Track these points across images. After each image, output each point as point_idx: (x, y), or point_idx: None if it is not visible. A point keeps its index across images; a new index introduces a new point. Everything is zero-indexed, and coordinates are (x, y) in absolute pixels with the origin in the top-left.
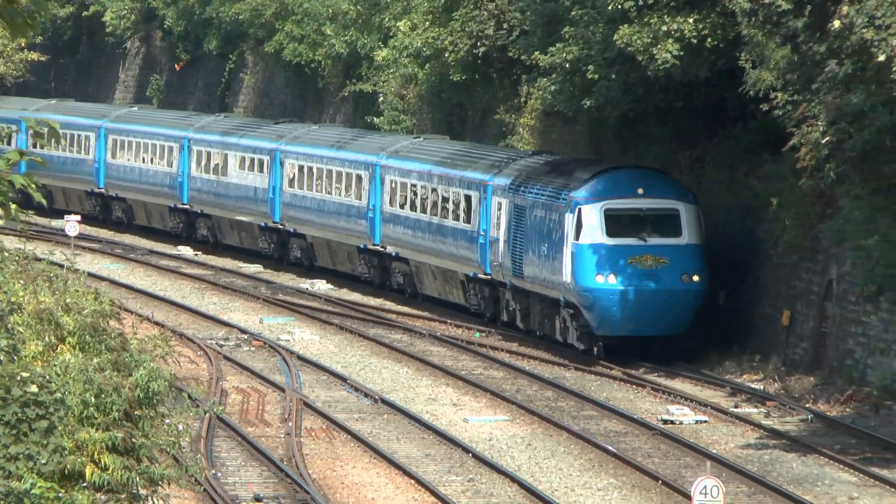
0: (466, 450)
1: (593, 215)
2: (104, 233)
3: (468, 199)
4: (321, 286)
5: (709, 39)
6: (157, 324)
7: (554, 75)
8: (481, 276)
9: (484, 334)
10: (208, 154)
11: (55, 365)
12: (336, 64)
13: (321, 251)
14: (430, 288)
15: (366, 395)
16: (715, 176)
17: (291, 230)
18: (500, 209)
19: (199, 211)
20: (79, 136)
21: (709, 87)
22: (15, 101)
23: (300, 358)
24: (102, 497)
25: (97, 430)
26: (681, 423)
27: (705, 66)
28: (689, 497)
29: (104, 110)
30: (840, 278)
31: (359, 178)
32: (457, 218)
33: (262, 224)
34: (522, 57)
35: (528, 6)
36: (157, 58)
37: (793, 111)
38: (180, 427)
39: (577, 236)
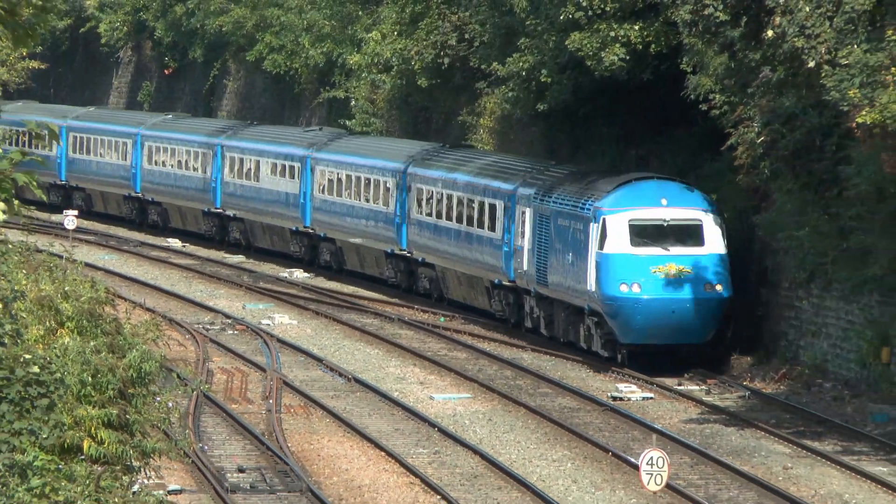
0: (432, 425)
1: (618, 225)
2: (138, 235)
3: (493, 207)
4: (298, 275)
5: (653, 46)
6: (148, 310)
7: (511, 83)
8: (506, 283)
9: (448, 318)
10: (241, 160)
11: (55, 347)
12: (311, 72)
13: (350, 255)
14: (455, 293)
15: (340, 375)
16: (660, 172)
17: (322, 234)
18: (524, 218)
19: (231, 215)
20: (117, 142)
21: (653, 90)
22: (56, 109)
23: (280, 341)
24: (99, 469)
25: (94, 407)
26: (629, 399)
27: (649, 70)
28: (636, 468)
29: (141, 118)
30: (774, 266)
31: (386, 185)
32: (482, 226)
33: (294, 228)
34: (482, 66)
35: (487, 19)
36: (147, 65)
37: (730, 113)
38: (170, 404)
39: (601, 246)
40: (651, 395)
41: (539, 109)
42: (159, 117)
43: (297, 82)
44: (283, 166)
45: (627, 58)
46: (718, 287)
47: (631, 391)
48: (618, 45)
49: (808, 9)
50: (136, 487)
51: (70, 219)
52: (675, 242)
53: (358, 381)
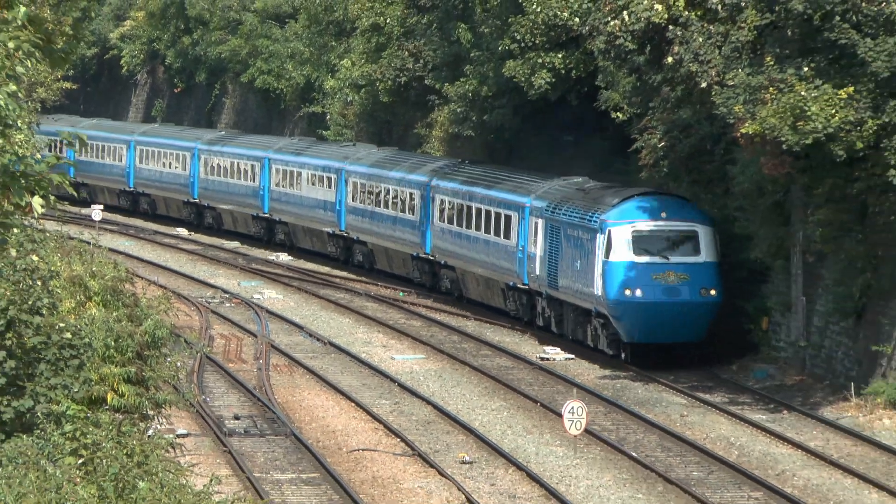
0: (393, 380)
1: (622, 236)
2: (196, 235)
3: (508, 218)
4: (283, 257)
5: (574, 71)
6: (160, 286)
7: (458, 102)
8: (520, 285)
9: (406, 293)
10: (285, 171)
11: (84, 317)
12: (294, 91)
13: (380, 256)
14: (473, 293)
15: (317, 339)
16: (579, 173)
17: (355, 238)
18: (537, 228)
19: (277, 219)
20: (177, 154)
21: (573, 105)
22: (125, 126)
23: (268, 312)
24: (120, 416)
25: (116, 366)
26: (554, 359)
27: (573, 93)
28: (560, 415)
29: (198, 133)
30: None
31: (412, 195)
32: (498, 234)
33: (330, 231)
34: (435, 86)
35: (438, 48)
36: (159, 86)
37: (636, 123)
38: (178, 364)
39: (607, 254)
40: (572, 356)
41: (483, 122)
42: (213, 133)
43: (283, 99)
44: (322, 177)
45: (553, 81)
46: (712, 291)
47: (556, 353)
48: (545, 70)
49: (701, 39)
50: (150, 432)
51: (97, 211)
52: (674, 251)
53: (332, 344)
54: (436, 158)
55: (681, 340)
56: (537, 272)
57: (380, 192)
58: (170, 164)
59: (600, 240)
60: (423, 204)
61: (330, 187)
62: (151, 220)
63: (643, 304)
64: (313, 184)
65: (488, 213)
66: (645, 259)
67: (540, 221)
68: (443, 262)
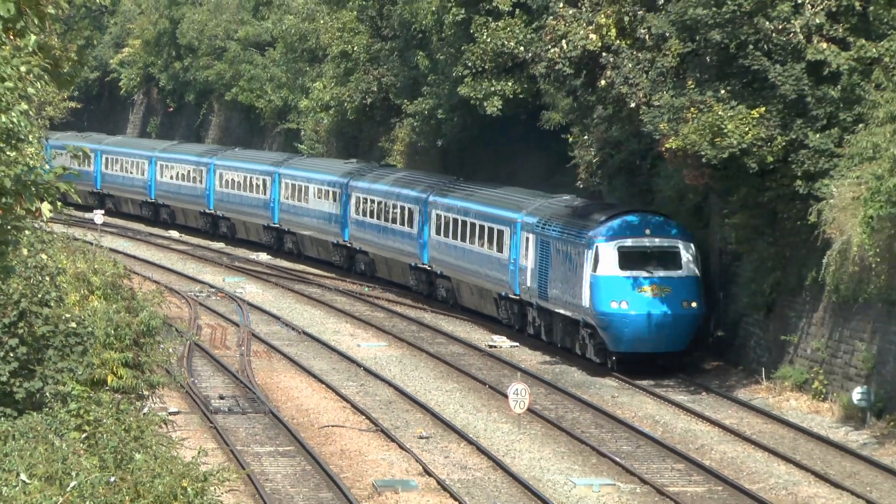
0: (359, 365)
1: (609, 252)
2: (212, 244)
3: (500, 232)
4: (263, 257)
5: (520, 93)
6: (154, 282)
7: (417, 118)
8: (511, 295)
9: (371, 288)
10: (293, 185)
11: (87, 309)
12: (273, 110)
13: (380, 265)
14: (468, 301)
15: (293, 329)
16: (523, 184)
17: (357, 248)
18: (528, 243)
19: (286, 229)
20: (193, 170)
21: (518, 123)
22: (143, 143)
23: (249, 304)
24: (119, 396)
25: (115, 352)
26: (500, 347)
27: (521, 112)
28: (506, 396)
29: (213, 150)
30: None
31: (410, 210)
32: (491, 247)
33: (335, 241)
34: (396, 102)
35: (399, 72)
36: (154, 105)
37: (575, 139)
38: (170, 350)
39: (594, 269)
40: (517, 343)
41: (437, 142)
42: (227, 150)
43: (263, 117)
44: (327, 191)
45: (503, 105)
46: (693, 304)
47: (502, 341)
48: (496, 97)
49: (630, 65)
50: (145, 410)
51: (98, 216)
52: (657, 266)
53: (305, 333)
54: (432, 176)
55: (664, 350)
56: (528, 284)
57: (381, 206)
58: (187, 178)
59: (588, 255)
60: (420, 218)
61: (335, 201)
62: (169, 227)
63: (628, 316)
64: (319, 197)
65: (482, 227)
66: (630, 273)
67: (531, 236)
68: (439, 271)
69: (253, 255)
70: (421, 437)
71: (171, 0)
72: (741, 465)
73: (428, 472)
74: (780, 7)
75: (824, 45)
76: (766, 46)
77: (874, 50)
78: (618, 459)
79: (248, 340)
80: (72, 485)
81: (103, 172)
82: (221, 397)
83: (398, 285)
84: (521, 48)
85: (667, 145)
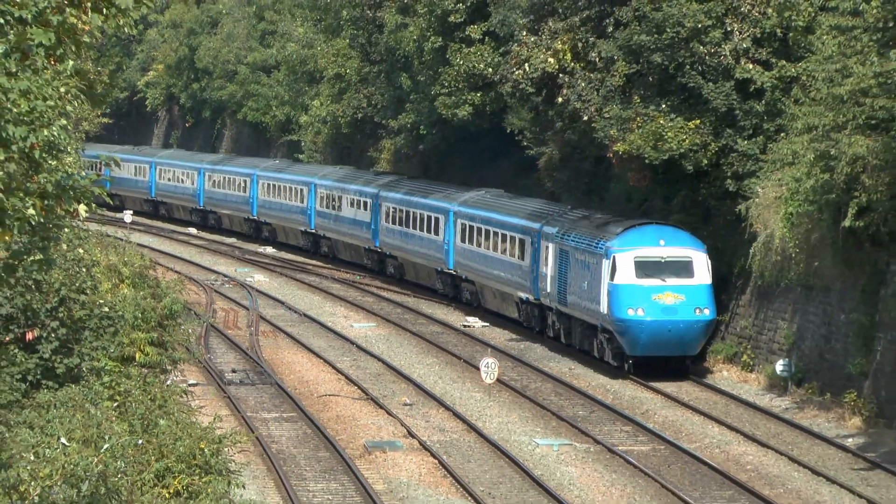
0: (352, 342)
1: (626, 261)
2: (253, 245)
3: (522, 241)
4: (269, 250)
5: (489, 107)
6: (176, 272)
7: (401, 133)
8: (532, 300)
9: (362, 276)
10: (329, 195)
11: (118, 296)
12: (277, 124)
13: (409, 269)
14: (490, 304)
15: (295, 312)
16: (491, 186)
17: (387, 253)
18: (548, 251)
19: (322, 234)
20: (239, 180)
21: (487, 134)
22: (195, 156)
23: (257, 291)
24: (146, 371)
25: (142, 332)
26: (473, 327)
27: (486, 121)
28: (478, 368)
29: (255, 162)
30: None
31: (437, 219)
32: (513, 254)
33: (367, 247)
34: (383, 121)
35: (385, 92)
36: (175, 121)
37: (536, 147)
38: (189, 330)
39: (612, 277)
40: (487, 323)
41: (418, 147)
42: (270, 162)
43: (268, 131)
44: (359, 201)
45: (473, 113)
46: (706, 311)
47: (475, 321)
48: (467, 105)
49: (583, 84)
50: (168, 382)
51: (127, 215)
52: (671, 275)
53: (306, 316)
54: (459, 189)
55: (678, 354)
56: (548, 289)
57: (409, 215)
58: (232, 188)
59: (606, 264)
60: (446, 227)
61: (366, 210)
62: (211, 231)
63: (644, 322)
64: (352, 206)
65: (504, 236)
66: (646, 282)
67: (551, 245)
68: (464, 276)
69: (260, 249)
70: (405, 405)
71: (190, 30)
72: (680, 427)
73: (412, 435)
74: (712, 34)
75: (750, 65)
76: (700, 67)
77: (793, 70)
78: (574, 422)
79: (257, 322)
80: (105, 447)
81: (157, 182)
82: (234, 371)
83: (425, 288)
84: (490, 70)
85: (615, 149)
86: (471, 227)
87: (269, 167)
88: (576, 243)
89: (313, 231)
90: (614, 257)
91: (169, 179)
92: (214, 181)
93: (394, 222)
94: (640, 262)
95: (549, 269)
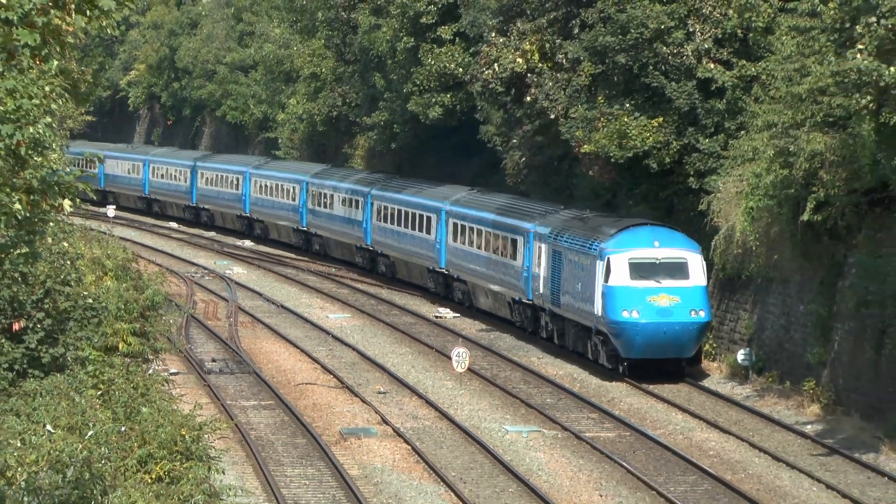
0: (328, 332)
1: (620, 263)
2: (247, 243)
3: (514, 241)
4: (248, 244)
5: (458, 107)
6: (157, 265)
7: (375, 130)
8: (525, 300)
9: (337, 268)
10: (321, 193)
11: (101, 287)
12: (255, 122)
13: (400, 268)
14: (483, 304)
15: (272, 303)
16: (461, 182)
17: (379, 251)
18: (541, 252)
19: (314, 232)
20: (232, 177)
21: (457, 132)
22: (185, 154)
23: (236, 283)
24: (128, 360)
25: (125, 323)
26: (445, 317)
27: (454, 120)
28: (449, 357)
29: (247, 160)
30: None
31: (429, 218)
32: (505, 254)
33: (358, 245)
34: (357, 119)
35: (359, 91)
36: (156, 119)
37: (504, 145)
38: (171, 321)
39: (606, 279)
40: (458, 314)
41: (391, 144)
42: (262, 160)
43: (246, 128)
44: (351, 199)
45: (444, 112)
46: (701, 313)
47: (447, 312)
48: (438, 106)
49: (551, 84)
50: (150, 371)
51: (110, 209)
52: (666, 277)
53: (283, 307)
54: (451, 187)
55: (673, 356)
56: (541, 290)
57: (400, 214)
58: (226, 186)
59: (600, 266)
60: (438, 226)
61: (358, 208)
62: (207, 228)
63: (639, 324)
64: (344, 205)
65: (496, 236)
66: (640, 283)
67: (543, 246)
68: (456, 275)
69: (239, 242)
70: (379, 393)
71: (171, 31)
72: (645, 415)
73: (385, 422)
74: (675, 35)
75: (712, 65)
76: (663, 67)
77: (753, 69)
78: (542, 409)
79: (236, 313)
80: (89, 434)
81: (150, 180)
82: (213, 360)
83: (417, 286)
84: (461, 70)
85: (582, 149)
86: (463, 227)
87: (262, 165)
88: (569, 244)
89: (305, 229)
90: (608, 259)
91: (164, 178)
92: (207, 179)
93: (385, 221)
94: (634, 263)
95: (541, 269)
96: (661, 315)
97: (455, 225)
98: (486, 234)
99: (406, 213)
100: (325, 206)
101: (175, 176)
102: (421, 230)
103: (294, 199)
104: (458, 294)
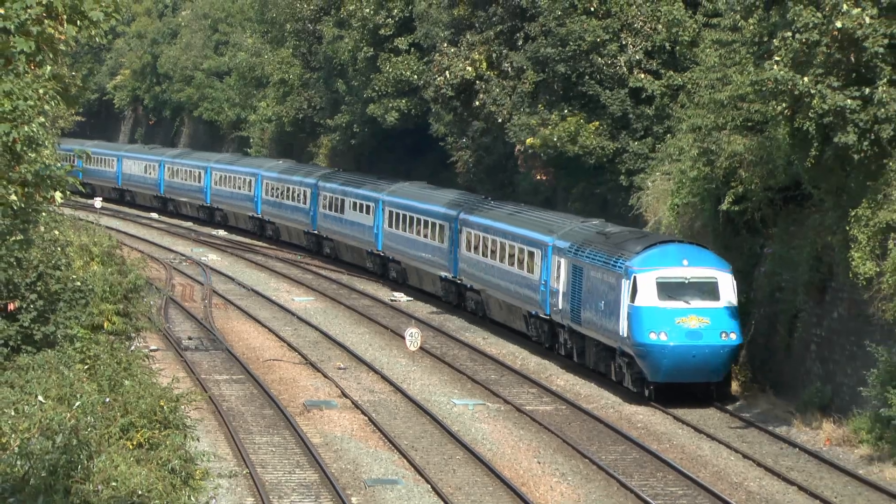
0: (293, 314)
1: (647, 282)
2: (221, 232)
3: (531, 254)
4: (222, 233)
5: (413, 110)
6: (139, 251)
7: (337, 131)
8: (542, 315)
9: (302, 256)
10: (332, 198)
11: (89, 272)
12: (229, 123)
13: (412, 274)
14: (496, 315)
15: (243, 287)
16: (416, 178)
17: (390, 257)
18: (559, 266)
19: (325, 236)
20: (244, 179)
21: (412, 133)
22: (203, 156)
23: (211, 269)
24: (112, 338)
25: (110, 304)
26: (400, 301)
27: (411, 122)
28: (403, 337)
29: (259, 162)
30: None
31: (441, 226)
32: (521, 267)
33: (369, 250)
34: (321, 121)
35: (323, 95)
36: (139, 119)
37: (455, 145)
38: (151, 303)
39: (632, 299)
40: (411, 298)
41: (351, 144)
42: (276, 163)
43: (221, 128)
44: (362, 205)
45: (399, 116)
46: (732, 335)
47: (401, 296)
48: (395, 111)
49: (497, 90)
50: (132, 347)
51: (97, 201)
52: (695, 297)
53: (254, 290)
54: (465, 194)
55: (702, 381)
56: (560, 306)
57: (412, 220)
58: (237, 186)
59: (626, 285)
60: (451, 234)
61: (369, 213)
62: (225, 229)
63: (668, 347)
64: (355, 210)
65: (511, 247)
66: (669, 304)
67: (563, 260)
68: (469, 285)
69: (214, 232)
70: (340, 369)
71: (153, 40)
72: (579, 391)
73: (345, 395)
74: (609, 47)
75: (642, 75)
76: (598, 76)
77: (680, 79)
78: (487, 385)
79: (210, 295)
80: (77, 404)
81: (166, 180)
82: (190, 338)
83: (429, 294)
84: (415, 77)
85: (526, 144)
86: (477, 237)
87: (273, 167)
88: (591, 260)
89: (316, 232)
90: (635, 277)
91: (178, 179)
92: (221, 180)
93: (397, 227)
94: (662, 283)
95: (560, 284)
96: (691, 337)
97: (469, 234)
98: (502, 245)
99: (418, 220)
100: (336, 211)
101: (190, 176)
102: (433, 237)
103: (305, 203)
104: (470, 304)
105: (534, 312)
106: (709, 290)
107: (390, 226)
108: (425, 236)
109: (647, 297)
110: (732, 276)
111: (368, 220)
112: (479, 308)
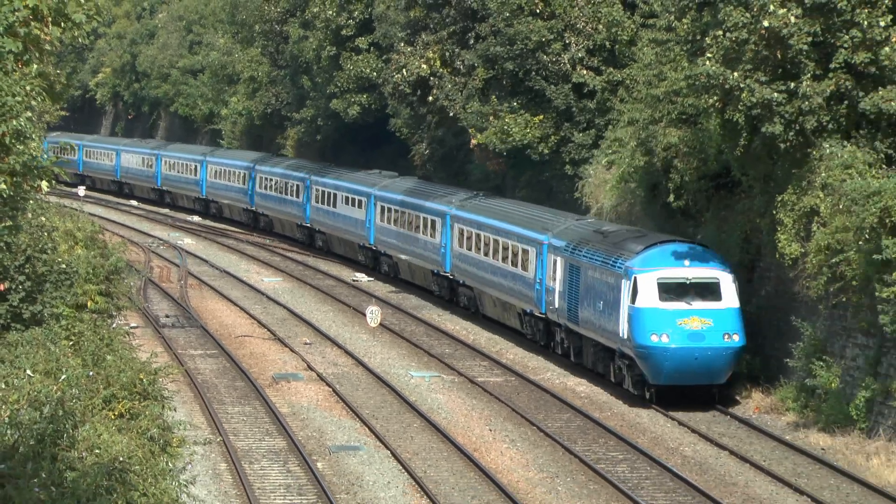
0: (263, 293)
1: (648, 283)
2: (196, 218)
3: (525, 251)
4: (196, 219)
5: (373, 105)
6: (120, 236)
7: (303, 125)
8: (537, 313)
9: (270, 239)
10: (324, 192)
11: (73, 255)
12: (203, 117)
13: (404, 269)
14: (490, 311)
15: (217, 269)
16: (377, 167)
17: (382, 251)
18: (556, 265)
19: (317, 229)
20: (237, 172)
21: (372, 126)
22: (196, 149)
23: (186, 252)
24: (95, 316)
25: (93, 285)
26: (361, 281)
27: (371, 116)
28: (364, 314)
29: (252, 157)
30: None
31: (433, 222)
32: (515, 264)
33: (361, 244)
34: (288, 115)
35: (290, 91)
36: (119, 114)
37: (411, 137)
38: (131, 283)
39: (633, 300)
40: (372, 278)
41: (316, 137)
42: (267, 157)
43: (195, 122)
44: (353, 199)
45: (360, 111)
46: (735, 337)
47: (363, 277)
48: (356, 105)
49: (450, 86)
50: (114, 325)
51: (81, 189)
52: (697, 298)
53: (226, 272)
54: (456, 191)
55: (704, 383)
56: (556, 305)
57: (404, 215)
58: (231, 179)
59: (626, 285)
60: (443, 230)
61: (361, 208)
62: (212, 219)
63: (669, 349)
64: (347, 204)
65: (505, 244)
66: (670, 305)
67: (559, 259)
68: (461, 281)
69: (189, 218)
70: (305, 344)
71: (132, 40)
72: (527, 364)
73: (311, 368)
74: (554, 46)
75: (585, 72)
76: (544, 73)
77: (619, 75)
78: (442, 358)
79: (186, 277)
80: (62, 377)
81: (163, 173)
82: (167, 316)
83: (421, 288)
84: (375, 74)
85: (474, 141)
86: (469, 233)
87: (268, 162)
88: (589, 259)
89: (308, 226)
90: (635, 278)
91: (174, 171)
92: (216, 173)
93: (389, 221)
94: (663, 283)
95: (556, 283)
96: (693, 339)
97: (461, 230)
98: (495, 241)
99: (410, 216)
100: (329, 204)
101: (185, 169)
102: (425, 232)
103: (298, 197)
104: (463, 300)
105: (529, 311)
106: (711, 290)
107: (382, 220)
108: (417, 231)
109: (648, 297)
110: (734, 276)
111: (360, 215)
112: (472, 304)
